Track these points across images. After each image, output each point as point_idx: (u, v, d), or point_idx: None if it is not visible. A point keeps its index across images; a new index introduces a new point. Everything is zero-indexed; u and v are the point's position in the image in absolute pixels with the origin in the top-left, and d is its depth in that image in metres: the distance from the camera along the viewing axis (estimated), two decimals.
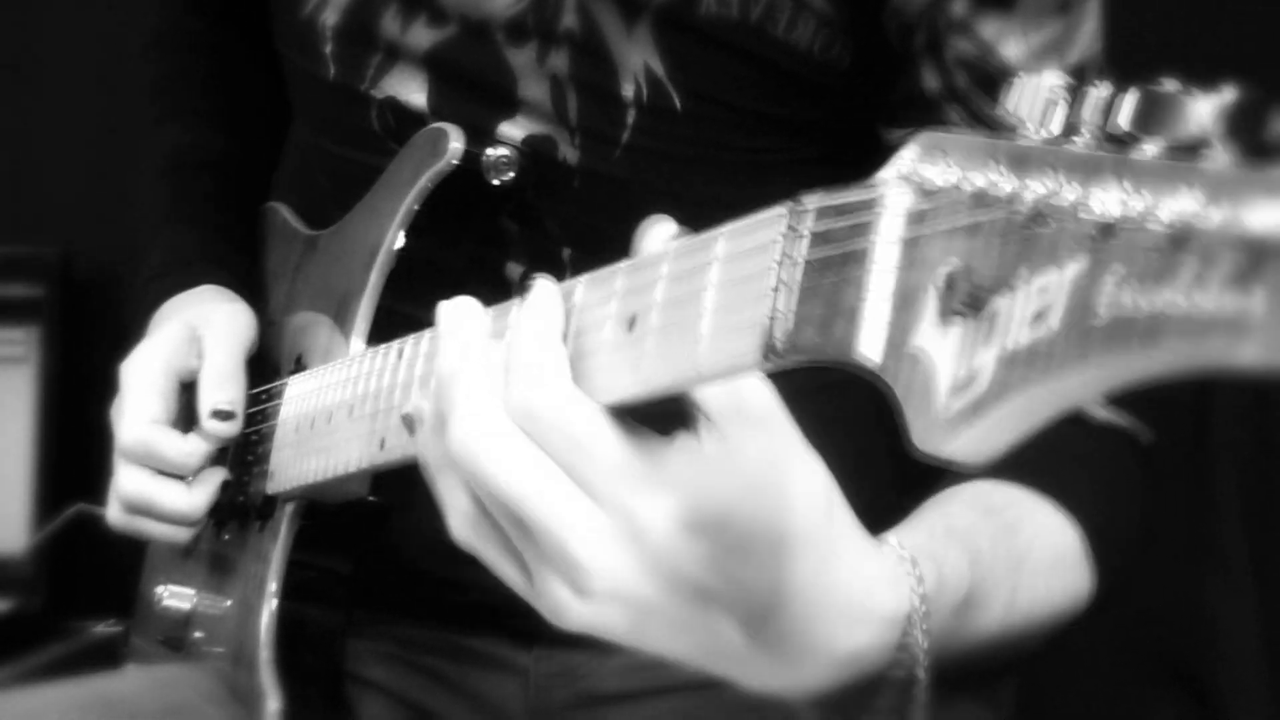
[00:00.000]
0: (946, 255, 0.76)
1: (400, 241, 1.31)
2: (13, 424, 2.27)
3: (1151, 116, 0.70)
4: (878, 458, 1.18)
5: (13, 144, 2.38)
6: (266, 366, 1.44)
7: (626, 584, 0.87)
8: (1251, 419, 1.77)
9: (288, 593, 1.32)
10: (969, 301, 0.74)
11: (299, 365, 1.40)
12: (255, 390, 1.42)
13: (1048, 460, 1.03)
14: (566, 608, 0.89)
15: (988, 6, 1.21)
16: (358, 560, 1.34)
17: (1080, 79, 1.14)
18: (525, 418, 0.88)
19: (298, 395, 1.34)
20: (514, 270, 1.33)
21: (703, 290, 0.88)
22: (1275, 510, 1.80)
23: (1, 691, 1.43)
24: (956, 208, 0.76)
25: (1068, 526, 1.14)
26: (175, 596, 1.45)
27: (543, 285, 0.95)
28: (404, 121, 1.35)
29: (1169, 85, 0.70)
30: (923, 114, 1.23)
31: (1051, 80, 0.76)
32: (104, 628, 2.03)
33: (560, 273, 1.28)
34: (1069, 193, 0.70)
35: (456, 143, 1.29)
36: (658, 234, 0.92)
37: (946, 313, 0.75)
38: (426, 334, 1.14)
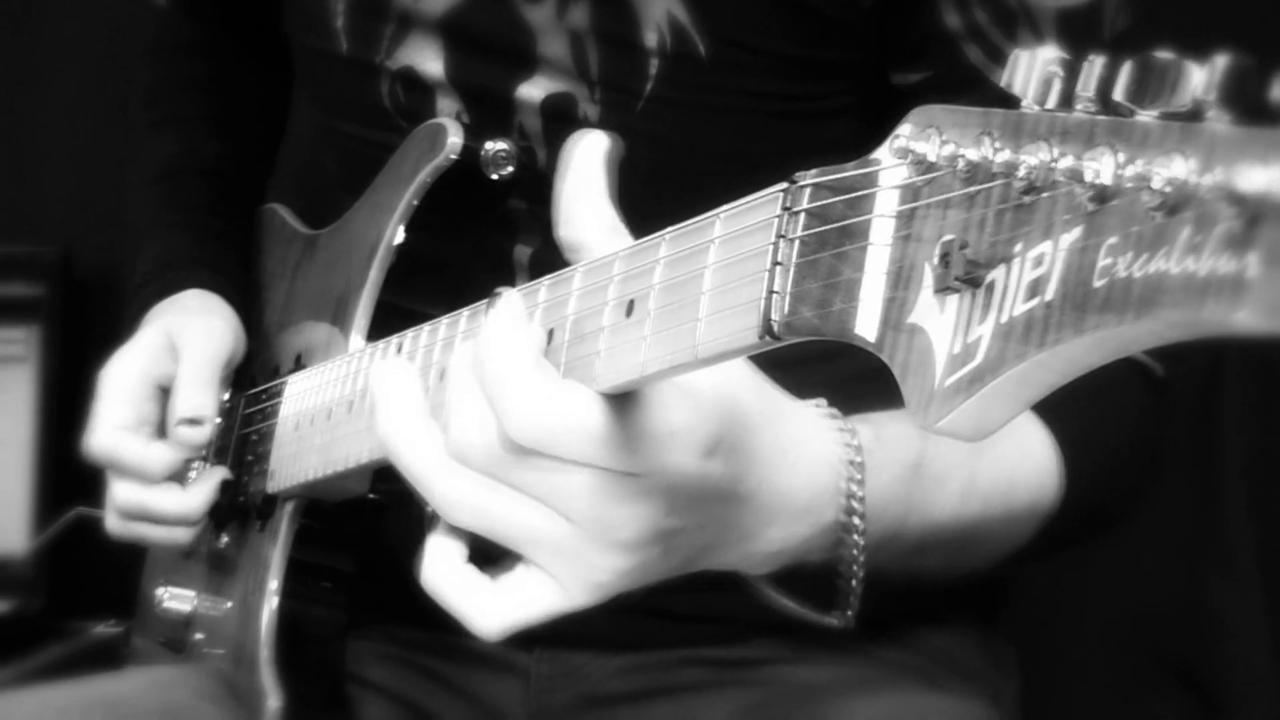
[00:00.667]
0: (942, 229, 0.76)
1: (400, 237, 1.31)
2: (13, 424, 2.27)
3: (1147, 86, 0.70)
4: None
5: (13, 144, 2.38)
6: (267, 367, 1.44)
7: (644, 541, 0.94)
8: (1257, 416, 1.77)
9: (288, 592, 1.31)
10: (965, 275, 0.74)
11: (299, 364, 1.39)
12: (255, 390, 1.41)
13: None
14: (595, 578, 0.95)
15: None
16: (358, 559, 1.34)
17: (1099, 15, 1.13)
18: (527, 443, 0.92)
19: (297, 393, 1.34)
20: (522, 253, 1.32)
21: (701, 272, 0.88)
22: None
23: (1, 692, 1.42)
24: (951, 181, 0.76)
25: (1036, 423, 1.16)
26: (176, 598, 1.45)
27: (505, 303, 0.96)
28: (415, 95, 1.34)
29: (1164, 54, 0.70)
30: (942, 52, 1.22)
31: (1049, 54, 0.75)
32: (104, 628, 2.02)
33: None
34: (1063, 162, 0.70)
35: (455, 137, 1.28)
36: (589, 145, 0.98)
37: (943, 287, 0.75)
38: (425, 327, 1.13)
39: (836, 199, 0.81)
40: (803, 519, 1.02)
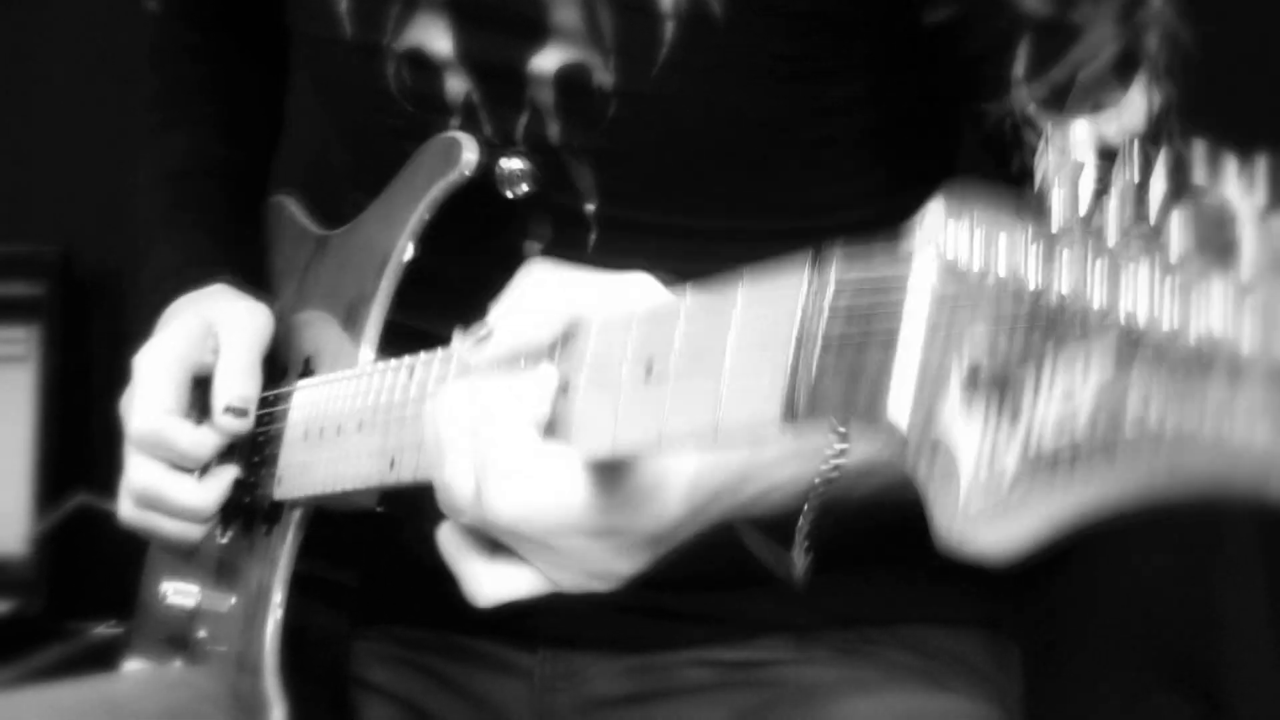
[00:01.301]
0: (972, 343, 0.74)
1: (410, 252, 1.29)
2: (13, 423, 2.25)
3: (1195, 232, 0.67)
4: None
5: (13, 142, 2.36)
6: (275, 367, 1.42)
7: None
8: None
9: (293, 600, 1.31)
10: (993, 395, 0.72)
11: (308, 368, 1.38)
12: (264, 393, 1.40)
13: None
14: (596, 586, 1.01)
15: None
16: (364, 569, 1.33)
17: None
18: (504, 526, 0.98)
19: (308, 401, 1.33)
20: (532, 249, 1.30)
21: (724, 347, 0.87)
22: None
23: (1, 693, 1.42)
24: (984, 293, 0.73)
25: None
26: (180, 594, 1.44)
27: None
28: (422, 76, 1.31)
29: (1198, 149, 0.68)
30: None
31: (1082, 134, 0.73)
32: (105, 629, 2.01)
33: (584, 233, 1.27)
34: (1099, 292, 0.68)
35: (470, 154, 1.26)
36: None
37: (970, 404, 0.73)
38: (439, 353, 1.12)
39: (865, 298, 0.79)
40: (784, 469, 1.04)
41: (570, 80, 1.27)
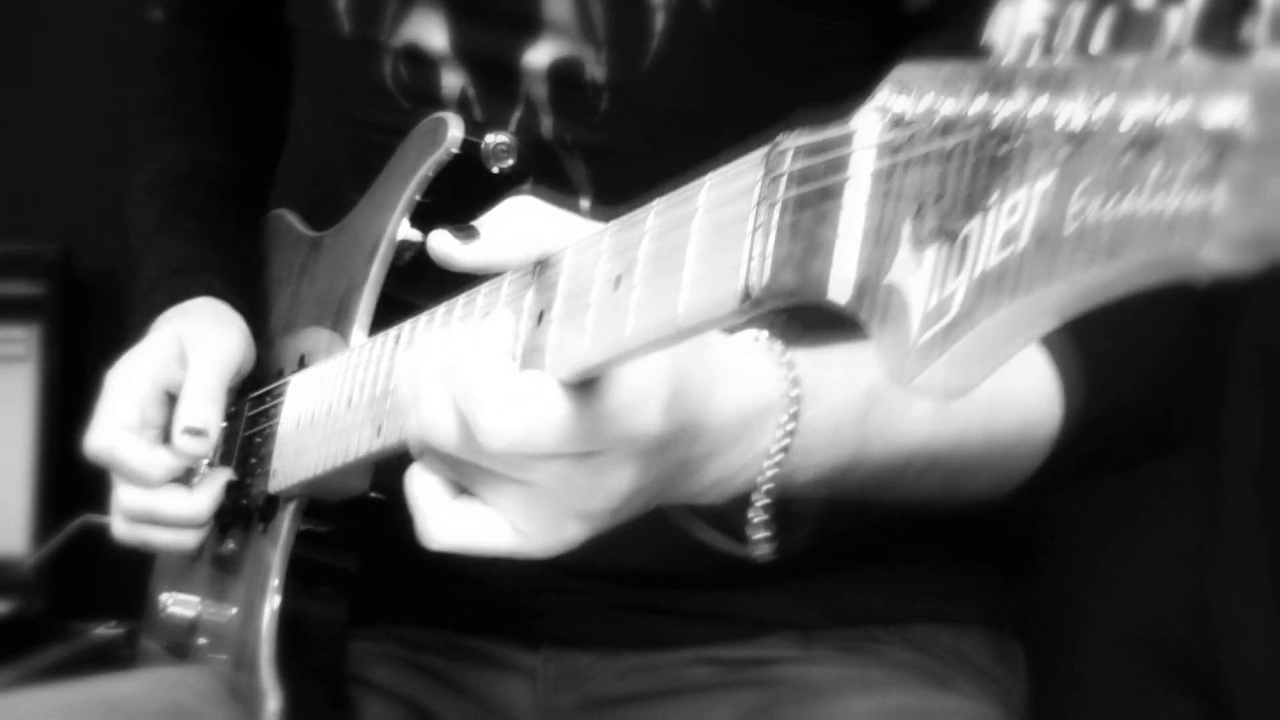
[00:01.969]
0: (921, 185, 0.74)
1: (403, 231, 1.30)
2: (13, 423, 2.26)
3: (1127, 35, 0.68)
4: None
5: (13, 141, 2.38)
6: (271, 369, 1.43)
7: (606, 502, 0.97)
8: (1265, 418, 1.75)
9: (289, 591, 1.30)
10: (942, 230, 0.73)
11: (302, 366, 1.39)
12: (259, 392, 1.41)
13: None
14: (562, 538, 0.98)
15: None
16: (361, 558, 1.33)
17: None
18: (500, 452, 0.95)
19: (299, 393, 1.33)
20: None
21: (686, 240, 0.87)
22: None
23: (2, 694, 1.42)
24: (929, 135, 0.74)
25: (1037, 349, 1.14)
26: (179, 604, 1.44)
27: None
28: (418, 71, 1.33)
29: (1142, 2, 0.69)
30: None
31: (1032, 10, 0.74)
32: (105, 630, 2.00)
33: None
34: (1036, 108, 0.69)
35: (455, 131, 1.27)
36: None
37: (920, 243, 0.74)
38: (422, 318, 1.13)
39: (816, 160, 0.80)
40: (735, 447, 1.01)
41: (563, 74, 1.29)
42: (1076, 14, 0.71)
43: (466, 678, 1.39)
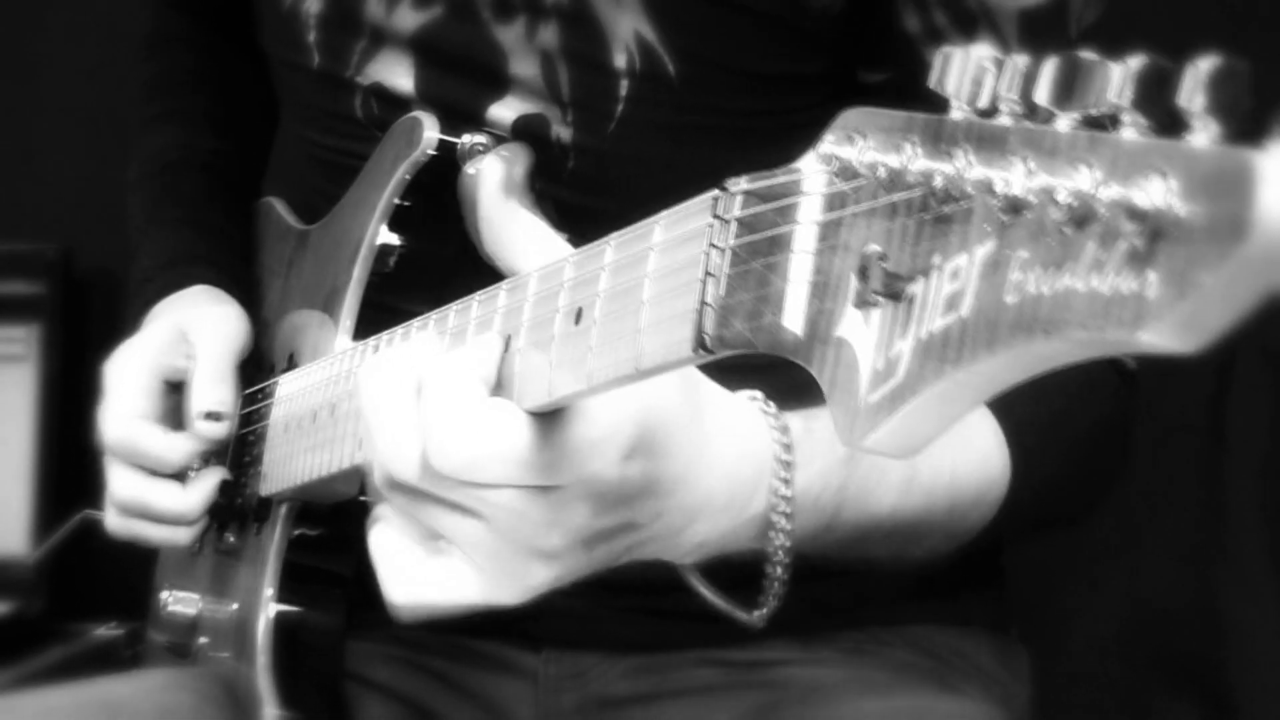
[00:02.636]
0: (865, 239, 0.73)
1: (381, 236, 1.29)
2: (13, 423, 2.26)
3: (1070, 87, 0.67)
4: None
5: (13, 141, 2.37)
6: (262, 365, 1.42)
7: (568, 547, 0.96)
8: (1267, 419, 1.74)
9: (285, 596, 1.30)
10: (885, 288, 0.72)
11: (291, 364, 1.38)
12: (250, 390, 1.40)
13: None
14: (524, 583, 0.96)
15: None
16: (356, 560, 1.32)
17: (1064, 12, 1.11)
18: (448, 473, 0.93)
19: (287, 395, 1.33)
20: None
21: (641, 280, 0.86)
22: None
23: (2, 695, 1.42)
24: (873, 189, 0.73)
25: (982, 411, 1.15)
26: (180, 602, 1.44)
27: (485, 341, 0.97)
28: (389, 108, 1.33)
29: (1087, 54, 0.67)
30: (903, 54, 1.20)
31: (980, 52, 0.72)
32: (105, 631, 2.01)
33: None
34: (975, 171, 0.67)
35: (431, 131, 1.26)
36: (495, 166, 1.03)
37: (865, 300, 0.73)
38: (399, 330, 1.12)
39: (766, 207, 0.79)
40: (725, 511, 1.01)
41: (528, 130, 1.29)
42: (1020, 63, 0.70)
43: (467, 678, 1.38)
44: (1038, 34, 1.17)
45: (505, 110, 1.29)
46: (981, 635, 1.38)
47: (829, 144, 0.76)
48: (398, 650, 1.40)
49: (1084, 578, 1.72)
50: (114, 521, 1.39)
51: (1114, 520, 1.73)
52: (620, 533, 0.97)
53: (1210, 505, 1.75)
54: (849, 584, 1.31)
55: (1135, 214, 0.60)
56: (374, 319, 1.28)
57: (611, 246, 0.90)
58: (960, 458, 1.14)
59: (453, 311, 1.05)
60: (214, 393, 1.36)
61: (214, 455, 1.40)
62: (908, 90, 0.95)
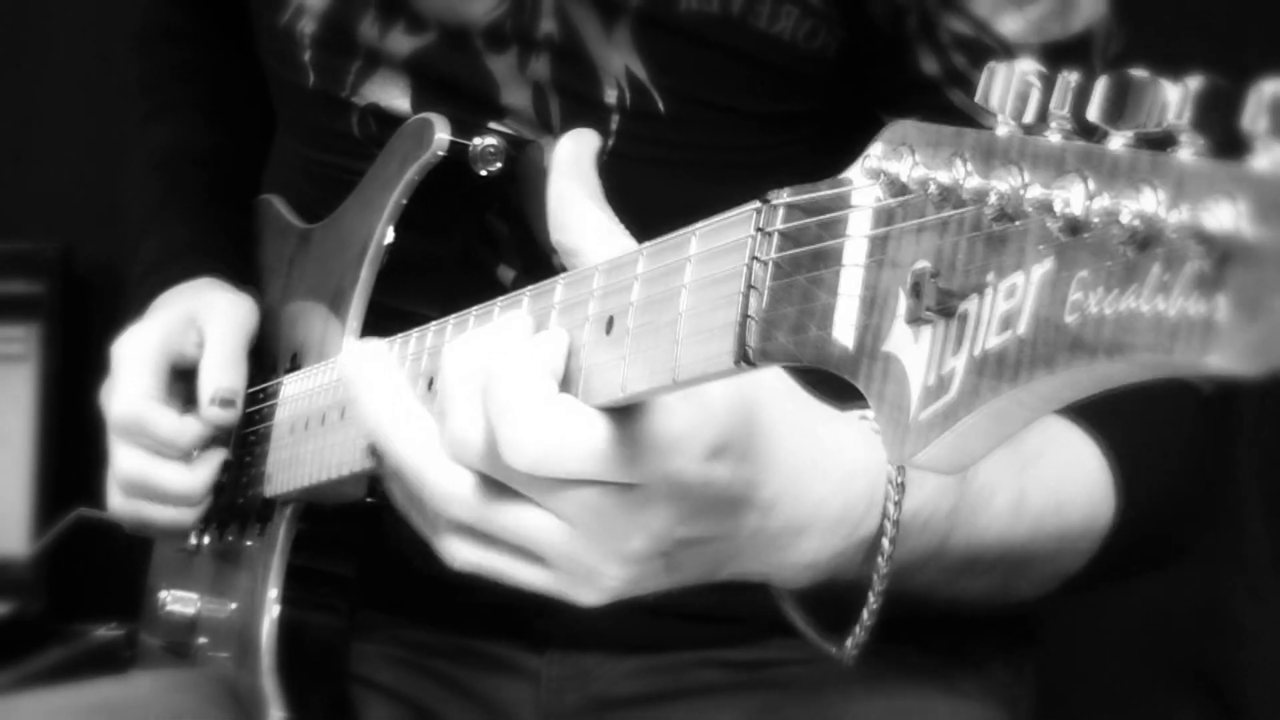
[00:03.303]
0: (916, 254, 0.73)
1: (390, 237, 1.28)
2: (13, 422, 2.25)
3: (1123, 105, 0.67)
4: None
5: (13, 140, 2.37)
6: (263, 363, 1.42)
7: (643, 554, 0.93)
8: (1274, 420, 1.74)
9: (289, 598, 1.29)
10: (938, 305, 0.72)
11: (294, 363, 1.38)
12: (252, 389, 1.40)
13: None
14: (603, 585, 0.93)
15: None
16: (360, 563, 1.32)
17: (1088, 46, 1.11)
18: (525, 470, 0.90)
19: (292, 396, 1.32)
20: (505, 274, 1.30)
21: (678, 291, 0.86)
22: None
23: (2, 695, 1.42)
24: (924, 205, 0.73)
25: (1086, 440, 1.12)
26: (179, 602, 1.43)
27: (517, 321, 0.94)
28: (386, 126, 1.32)
29: (1140, 73, 0.67)
30: (924, 98, 1.18)
31: (1027, 67, 0.72)
32: (105, 631, 2.00)
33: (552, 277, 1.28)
34: (1033, 191, 0.67)
35: (442, 133, 1.26)
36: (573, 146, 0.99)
37: (916, 316, 0.73)
38: (414, 333, 1.12)
39: (810, 220, 0.79)
40: (836, 531, 0.98)
41: (525, 149, 1.28)
42: (1072, 80, 0.70)
43: (470, 680, 1.38)
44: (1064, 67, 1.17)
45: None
46: (986, 635, 1.37)
47: (877, 158, 0.76)
48: (399, 652, 1.40)
49: None
50: (117, 502, 1.38)
51: None
52: (711, 543, 0.94)
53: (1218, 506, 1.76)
54: None
55: (1204, 237, 0.60)
56: (379, 320, 1.28)
57: (644, 256, 0.90)
58: (1070, 482, 1.11)
59: (472, 316, 1.05)
60: (225, 378, 1.36)
61: (215, 441, 1.40)
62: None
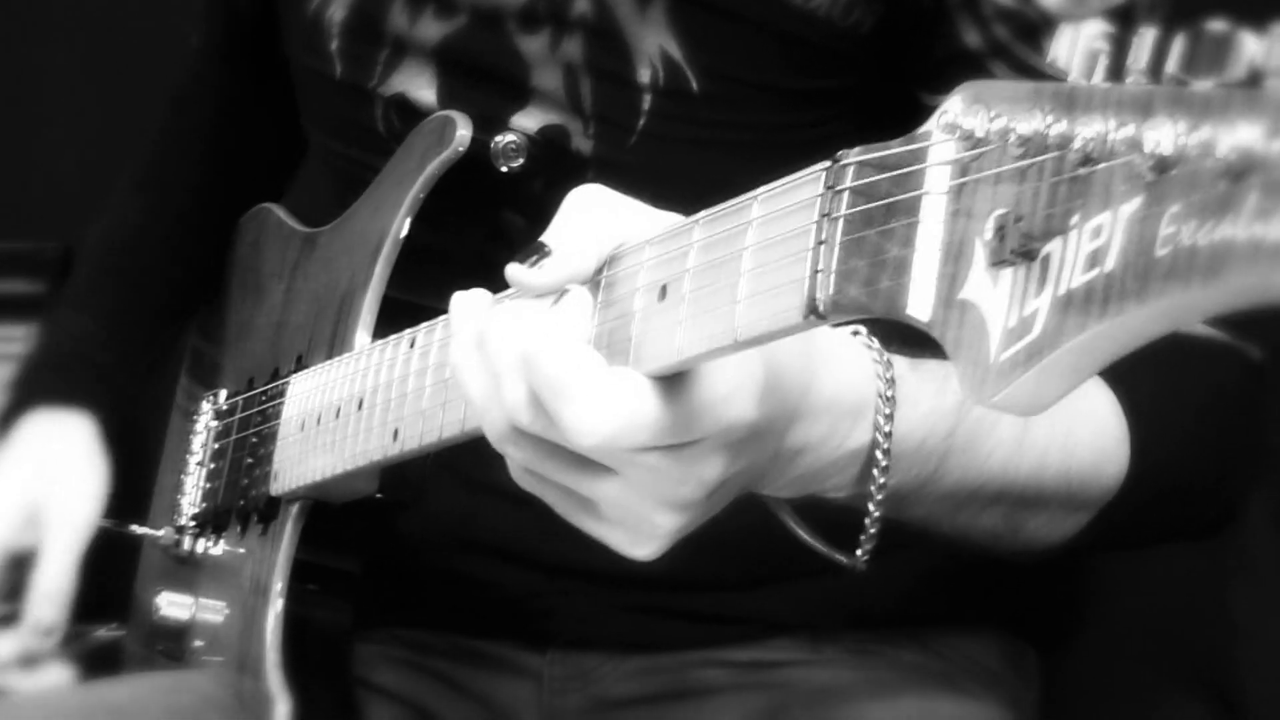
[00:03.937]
0: (994, 204, 0.75)
1: (406, 229, 1.29)
2: None
3: (1201, 58, 0.70)
4: None
5: (14, 139, 2.36)
6: (265, 368, 1.42)
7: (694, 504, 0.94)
8: (1278, 416, 1.76)
9: (294, 595, 1.29)
10: (1020, 248, 0.74)
11: (299, 364, 1.38)
12: (254, 391, 1.40)
13: None
14: (656, 534, 0.94)
15: None
16: (366, 560, 1.32)
17: (1130, 17, 1.13)
18: (589, 452, 0.91)
19: (302, 393, 1.33)
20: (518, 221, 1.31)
21: (739, 254, 0.88)
22: None
23: (3, 697, 1.41)
24: (1004, 154, 0.75)
25: (1102, 387, 1.12)
26: (174, 605, 1.43)
27: (573, 300, 0.95)
28: (409, 121, 1.33)
29: (1218, 25, 0.70)
30: (966, 72, 1.16)
31: (1094, 28, 0.75)
32: (105, 632, 1.99)
33: None
34: (1122, 132, 0.70)
35: (464, 130, 1.27)
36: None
37: (997, 262, 0.75)
38: (440, 321, 1.12)
39: (882, 176, 0.81)
40: (826, 443, 0.99)
41: (549, 141, 1.29)
42: (1148, 38, 0.73)
43: (471, 680, 1.39)
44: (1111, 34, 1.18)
45: (527, 121, 1.30)
46: (989, 636, 1.39)
47: (953, 113, 0.78)
48: (400, 652, 1.41)
49: (1094, 580, 1.74)
50: None
51: None
52: (745, 474, 0.96)
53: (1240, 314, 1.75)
54: (856, 584, 1.33)
55: None
56: (393, 316, 1.29)
57: (699, 225, 0.91)
58: (1079, 420, 1.10)
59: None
60: (50, 611, 1.46)
61: (212, 458, 1.42)
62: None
